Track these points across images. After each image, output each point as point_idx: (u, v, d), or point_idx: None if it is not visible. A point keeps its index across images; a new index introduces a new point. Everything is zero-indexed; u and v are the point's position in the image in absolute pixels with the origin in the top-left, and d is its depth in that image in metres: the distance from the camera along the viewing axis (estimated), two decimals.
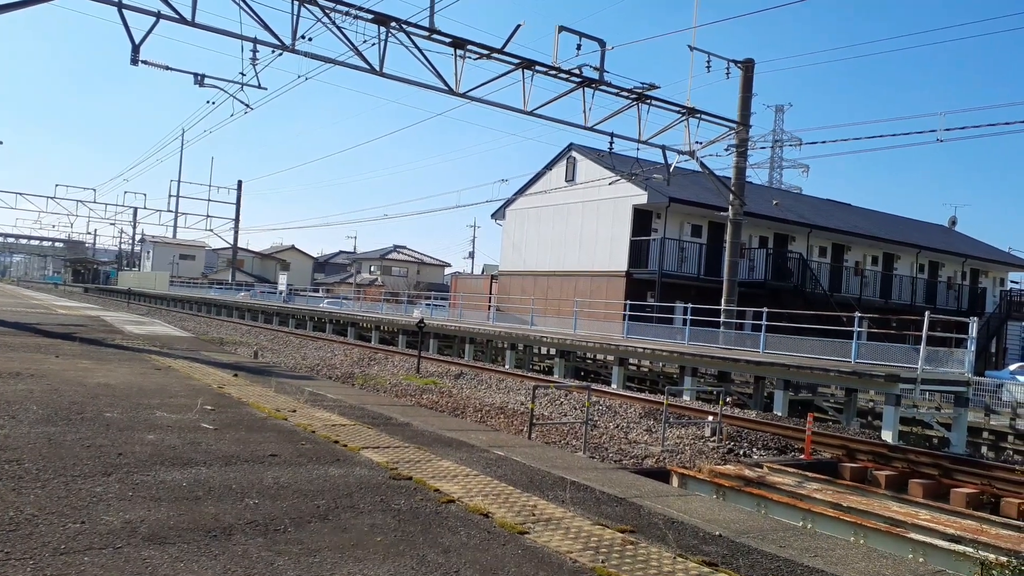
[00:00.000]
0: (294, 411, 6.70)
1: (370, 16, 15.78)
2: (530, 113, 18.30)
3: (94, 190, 63.33)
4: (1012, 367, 29.43)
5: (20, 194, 54.76)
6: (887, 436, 13.57)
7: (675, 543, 3.63)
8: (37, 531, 3.07)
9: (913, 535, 7.32)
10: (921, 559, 6.54)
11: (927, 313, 15.04)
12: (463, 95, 17.54)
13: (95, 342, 12.10)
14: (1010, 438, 16.35)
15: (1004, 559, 6.39)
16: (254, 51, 16.10)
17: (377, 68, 16.33)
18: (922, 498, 9.40)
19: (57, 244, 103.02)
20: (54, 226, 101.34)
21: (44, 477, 3.88)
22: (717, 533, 3.87)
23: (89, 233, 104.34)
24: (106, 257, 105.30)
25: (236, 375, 9.18)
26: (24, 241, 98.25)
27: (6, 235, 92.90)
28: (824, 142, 31.16)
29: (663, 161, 21.44)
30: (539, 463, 5.30)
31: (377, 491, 4.14)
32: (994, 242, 59.85)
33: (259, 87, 18.17)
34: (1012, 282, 43.80)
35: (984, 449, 16.31)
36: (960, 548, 6.98)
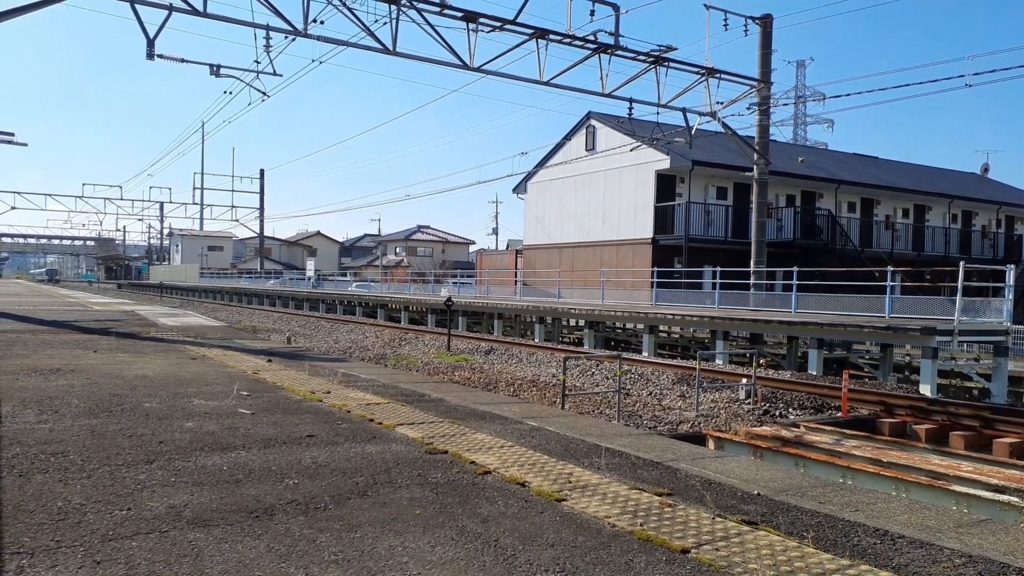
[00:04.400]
0: (328, 393, 6.76)
1: None
2: (546, 83, 18.12)
3: (120, 187, 64.23)
4: None
5: (49, 195, 55.78)
6: (925, 390, 13.40)
7: (713, 504, 3.62)
8: (85, 519, 3.15)
9: (955, 487, 7.24)
10: (965, 510, 6.47)
11: (962, 263, 14.76)
12: (478, 69, 17.41)
13: (131, 336, 12.31)
14: None
15: None
16: (267, 38, 16.11)
17: (390, 47, 16.25)
18: (963, 450, 9.29)
19: (88, 242, 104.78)
20: (84, 225, 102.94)
21: (89, 467, 3.96)
22: (755, 492, 3.85)
23: (118, 230, 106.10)
24: (136, 252, 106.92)
25: (270, 361, 9.28)
26: (56, 241, 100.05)
27: (38, 236, 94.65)
28: (848, 95, 30.57)
29: (684, 124, 21.15)
30: (573, 432, 5.31)
31: (414, 466, 4.18)
32: None
33: (274, 74, 18.21)
34: None
35: None
36: (1004, 498, 6.89)
